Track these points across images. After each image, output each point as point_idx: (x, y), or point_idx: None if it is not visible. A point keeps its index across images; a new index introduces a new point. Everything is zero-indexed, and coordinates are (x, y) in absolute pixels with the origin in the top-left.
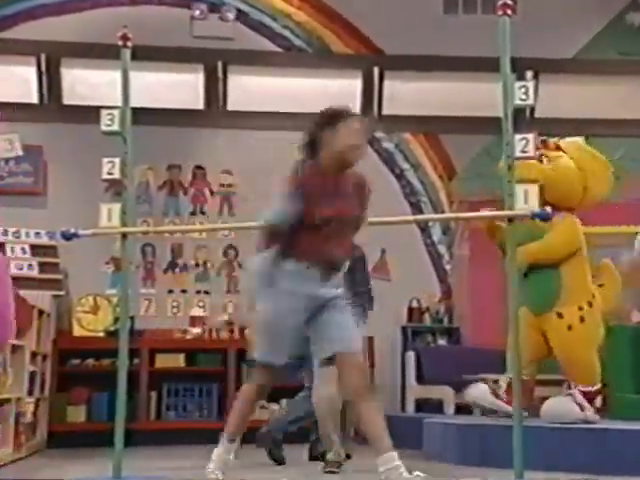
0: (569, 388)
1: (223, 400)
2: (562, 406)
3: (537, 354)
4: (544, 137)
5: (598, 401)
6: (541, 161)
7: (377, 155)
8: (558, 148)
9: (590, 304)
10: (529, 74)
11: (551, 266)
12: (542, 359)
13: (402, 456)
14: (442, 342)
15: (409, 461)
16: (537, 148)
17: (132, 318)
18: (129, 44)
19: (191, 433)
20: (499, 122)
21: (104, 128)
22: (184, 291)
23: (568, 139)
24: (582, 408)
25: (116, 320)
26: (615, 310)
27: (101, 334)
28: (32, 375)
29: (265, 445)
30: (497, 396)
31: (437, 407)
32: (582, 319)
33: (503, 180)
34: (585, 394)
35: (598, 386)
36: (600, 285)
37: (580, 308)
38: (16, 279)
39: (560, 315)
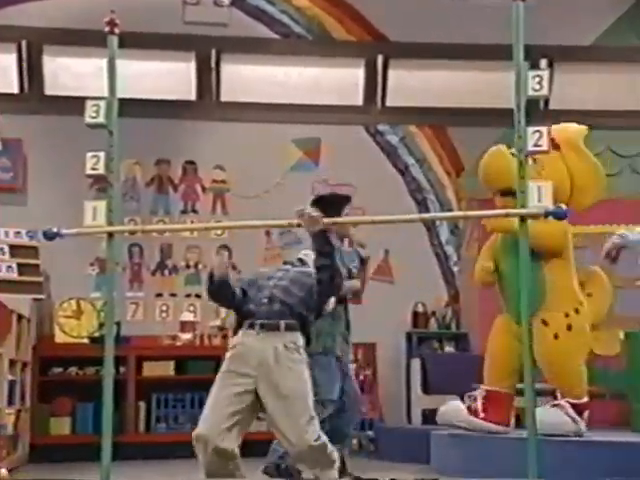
0: (555, 398)
1: None
2: (553, 417)
3: (519, 365)
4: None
5: (586, 415)
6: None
7: (380, 149)
8: (552, 141)
9: (577, 311)
10: (543, 62)
11: (534, 268)
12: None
13: (408, 471)
14: (449, 349)
15: (416, 476)
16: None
17: (118, 323)
18: (116, 30)
19: (183, 446)
20: (511, 114)
21: (89, 120)
22: (174, 294)
23: (566, 127)
24: (574, 420)
25: (101, 325)
26: (604, 322)
27: (85, 340)
28: (11, 385)
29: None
30: (475, 413)
31: None
32: (569, 327)
33: (515, 176)
34: (574, 407)
35: (585, 399)
36: (589, 294)
37: (567, 315)
38: None
39: (545, 322)
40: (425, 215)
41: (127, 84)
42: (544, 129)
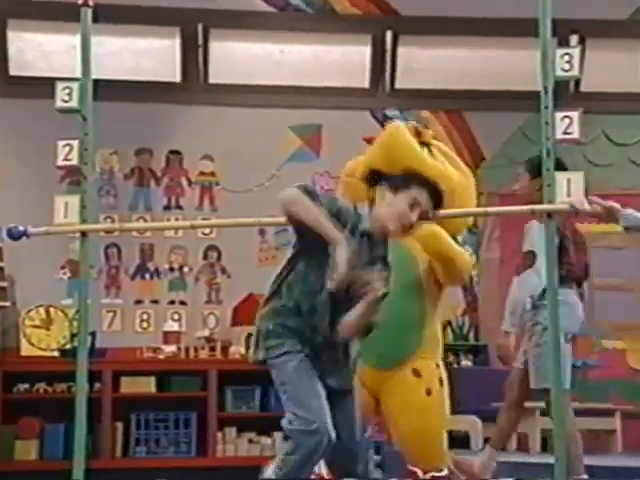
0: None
1: (203, 432)
2: None
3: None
4: (416, 123)
5: None
6: (430, 151)
7: None
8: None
9: (442, 361)
10: (574, 39)
11: (416, 301)
12: None
13: None
14: (467, 362)
15: None
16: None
17: (93, 334)
18: (91, 2)
19: (165, 472)
20: (537, 97)
21: (60, 104)
22: (155, 301)
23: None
24: None
25: (73, 336)
26: None
27: (55, 353)
28: None
29: None
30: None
31: (463, 440)
32: (441, 382)
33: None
34: None
35: (446, 472)
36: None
37: (437, 366)
38: None
39: (417, 373)
40: (440, 211)
41: (103, 63)
42: (575, 114)
